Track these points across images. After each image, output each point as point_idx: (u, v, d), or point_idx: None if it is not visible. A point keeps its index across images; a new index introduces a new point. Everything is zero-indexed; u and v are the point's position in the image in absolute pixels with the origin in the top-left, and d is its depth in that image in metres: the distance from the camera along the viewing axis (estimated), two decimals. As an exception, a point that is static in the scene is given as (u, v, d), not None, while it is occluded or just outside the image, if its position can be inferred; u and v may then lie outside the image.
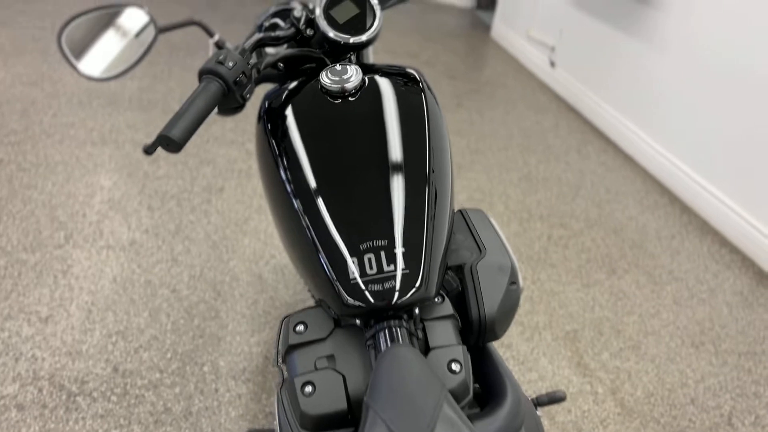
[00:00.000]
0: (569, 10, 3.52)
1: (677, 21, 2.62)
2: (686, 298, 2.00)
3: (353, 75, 0.87)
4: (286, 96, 0.92)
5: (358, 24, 0.99)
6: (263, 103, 0.95)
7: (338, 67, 0.89)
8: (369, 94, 0.87)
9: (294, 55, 0.98)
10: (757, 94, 2.20)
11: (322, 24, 0.97)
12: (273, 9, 1.31)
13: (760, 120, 2.20)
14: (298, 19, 1.02)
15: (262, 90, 2.74)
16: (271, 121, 0.90)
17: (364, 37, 0.98)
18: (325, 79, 0.86)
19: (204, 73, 0.83)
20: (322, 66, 1.03)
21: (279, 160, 0.83)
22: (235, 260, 1.89)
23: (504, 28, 4.50)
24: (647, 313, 1.91)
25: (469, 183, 2.55)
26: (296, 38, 1.04)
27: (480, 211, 0.96)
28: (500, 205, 2.44)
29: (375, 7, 1.01)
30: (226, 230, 2.03)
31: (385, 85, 0.89)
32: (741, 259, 2.23)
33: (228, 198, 2.21)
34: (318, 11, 1.01)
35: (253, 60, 0.90)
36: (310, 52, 1.00)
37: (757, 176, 2.23)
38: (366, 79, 0.89)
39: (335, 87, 0.85)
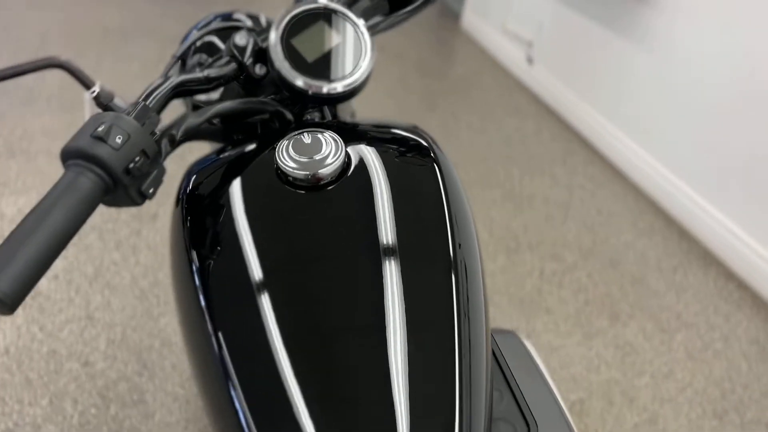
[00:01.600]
0: (551, 1, 3.21)
1: (671, 19, 2.34)
2: (700, 350, 1.74)
3: (331, 153, 0.53)
4: (223, 174, 0.58)
5: (335, 61, 0.65)
6: (185, 180, 0.61)
7: (306, 138, 0.55)
8: (355, 183, 0.53)
9: (234, 110, 0.63)
10: (763, 103, 1.94)
11: (280, 62, 0.63)
12: (204, 27, 0.94)
13: (766, 132, 1.94)
14: (242, 49, 0.67)
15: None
16: (194, 212, 0.56)
17: (342, 86, 0.64)
18: (286, 159, 0.52)
19: (69, 157, 0.48)
20: (279, 122, 0.68)
21: (202, 279, 0.49)
22: (168, 316, 1.52)
23: (476, 18, 4.17)
24: (660, 372, 1.65)
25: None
26: (239, 78, 0.68)
27: (512, 335, 0.64)
28: (484, 231, 2.13)
29: (361, 34, 0.67)
30: (158, 273, 1.65)
31: (379, 167, 0.55)
32: (751, 297, 1.99)
33: (162, 227, 1.82)
34: (273, 38, 0.65)
35: (163, 124, 0.55)
36: (260, 104, 0.65)
37: (765, 197, 1.98)
38: (349, 156, 0.56)
39: (301, 174, 0.51)
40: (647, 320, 1.83)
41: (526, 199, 2.37)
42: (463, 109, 3.09)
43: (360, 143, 0.57)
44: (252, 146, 0.60)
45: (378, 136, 0.60)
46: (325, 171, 0.51)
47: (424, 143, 0.60)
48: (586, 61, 2.92)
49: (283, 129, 0.65)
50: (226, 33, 0.82)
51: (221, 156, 0.61)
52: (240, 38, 0.68)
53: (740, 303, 1.96)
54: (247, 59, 0.66)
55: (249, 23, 0.90)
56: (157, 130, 0.52)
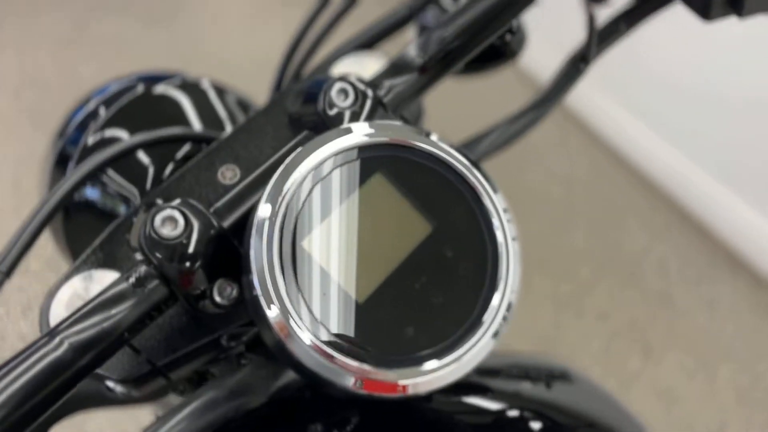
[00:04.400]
0: None
1: None
2: (749, 388, 1.51)
3: None
4: None
5: (419, 293, 0.31)
6: None
7: None
8: None
9: None
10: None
11: (302, 341, 0.27)
12: (99, 129, 0.54)
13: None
14: (174, 249, 0.30)
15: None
16: None
17: (456, 368, 0.28)
18: None
19: None
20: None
21: None
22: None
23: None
24: (713, 426, 1.40)
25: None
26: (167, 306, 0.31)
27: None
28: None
29: (489, 201, 0.30)
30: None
31: None
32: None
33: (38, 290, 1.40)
34: (261, 242, 0.29)
35: None
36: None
37: None
38: None
39: None
40: (683, 353, 1.59)
41: (527, 197, 2.05)
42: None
43: None
44: None
45: None
46: None
47: None
48: (575, 16, 2.56)
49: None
50: (153, 151, 0.45)
51: None
52: (164, 222, 0.30)
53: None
54: (190, 277, 0.30)
55: (196, 129, 0.52)
56: None
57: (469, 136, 0.41)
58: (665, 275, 1.83)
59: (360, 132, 0.30)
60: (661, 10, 0.38)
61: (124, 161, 0.44)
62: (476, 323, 0.29)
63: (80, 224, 0.52)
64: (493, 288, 0.30)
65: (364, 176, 0.29)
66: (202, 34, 2.47)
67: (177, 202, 0.31)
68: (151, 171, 0.49)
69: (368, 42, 0.45)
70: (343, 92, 0.34)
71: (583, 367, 1.42)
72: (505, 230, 0.30)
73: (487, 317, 0.29)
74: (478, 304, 0.29)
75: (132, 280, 0.31)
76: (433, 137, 0.31)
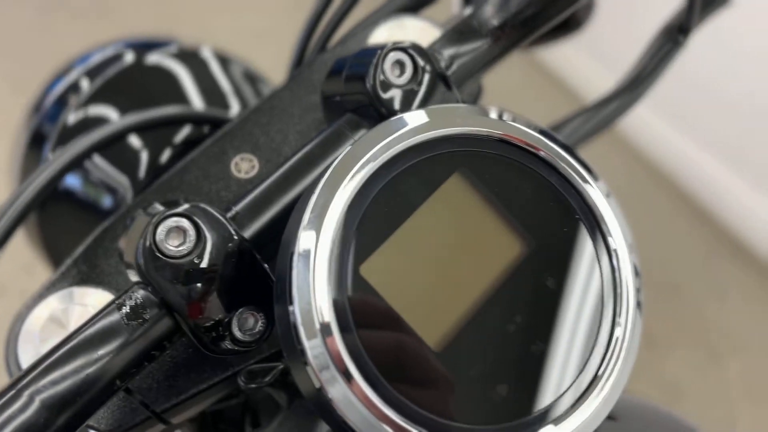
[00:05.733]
0: None
1: None
2: (761, 386, 1.46)
3: None
4: None
5: (517, 331, 0.23)
6: None
7: None
8: None
9: None
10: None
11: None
12: (88, 101, 0.46)
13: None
14: (183, 270, 0.22)
15: None
16: None
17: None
18: None
19: None
20: None
21: None
22: None
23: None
24: (721, 425, 1.37)
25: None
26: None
27: None
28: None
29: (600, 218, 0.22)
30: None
31: None
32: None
33: (10, 307, 1.31)
34: (312, 262, 0.21)
35: None
36: None
37: None
38: None
39: None
40: (692, 346, 1.55)
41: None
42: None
43: None
44: None
45: None
46: None
47: None
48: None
49: None
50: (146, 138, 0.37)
51: None
52: (169, 233, 0.23)
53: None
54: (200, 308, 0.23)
55: (198, 107, 0.44)
56: None
57: (547, 123, 0.33)
58: (671, 264, 1.79)
59: (433, 121, 0.22)
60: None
61: (112, 145, 0.36)
62: (594, 378, 0.22)
63: (60, 222, 0.44)
64: (612, 329, 0.22)
65: (438, 180, 0.22)
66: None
67: (185, 207, 0.23)
68: (144, 157, 0.41)
69: (412, 4, 0.37)
70: (399, 65, 0.26)
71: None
72: (619, 253, 0.23)
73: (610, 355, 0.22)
74: (598, 342, 0.22)
75: (125, 309, 0.23)
76: (526, 127, 0.24)
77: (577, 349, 0.22)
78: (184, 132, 0.41)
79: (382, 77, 0.26)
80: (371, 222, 0.21)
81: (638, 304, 0.24)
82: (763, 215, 1.82)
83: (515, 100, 2.10)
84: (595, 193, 0.23)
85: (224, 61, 0.49)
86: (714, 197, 1.97)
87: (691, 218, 1.94)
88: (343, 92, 0.28)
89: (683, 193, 2.01)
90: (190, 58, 0.47)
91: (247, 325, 0.24)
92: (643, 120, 2.22)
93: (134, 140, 0.42)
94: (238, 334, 0.24)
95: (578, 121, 0.33)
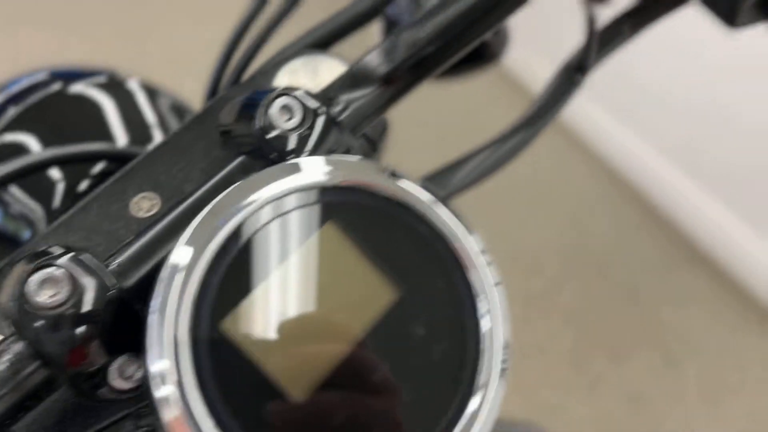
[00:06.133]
0: None
1: None
2: (717, 389, 1.50)
3: None
4: None
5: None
6: None
7: None
8: None
9: None
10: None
11: None
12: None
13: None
14: (53, 324, 0.22)
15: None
16: None
17: None
18: None
19: None
20: None
21: None
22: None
23: None
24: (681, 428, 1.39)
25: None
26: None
27: None
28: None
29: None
30: None
31: None
32: (753, 303, 1.75)
33: None
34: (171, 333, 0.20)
35: None
36: None
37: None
38: None
39: None
40: (651, 351, 1.57)
41: (496, 185, 1.99)
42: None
43: None
44: None
45: None
46: None
47: None
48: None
49: None
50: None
51: None
52: (42, 285, 0.23)
53: (745, 314, 1.72)
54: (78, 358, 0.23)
55: (119, 138, 0.44)
56: None
57: (446, 163, 0.33)
58: (631, 268, 1.82)
59: (307, 171, 0.23)
60: (673, 12, 0.32)
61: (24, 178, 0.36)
62: None
63: None
64: (472, 387, 0.23)
65: (310, 228, 0.22)
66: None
67: (65, 258, 0.23)
68: (60, 187, 0.41)
69: (324, 41, 0.37)
70: (287, 110, 0.26)
71: (552, 372, 1.40)
72: (490, 300, 0.23)
73: (461, 427, 0.22)
74: (452, 407, 0.22)
75: (3, 359, 0.23)
76: (398, 175, 0.24)
77: (439, 402, 0.22)
78: (102, 164, 0.41)
79: (269, 122, 0.25)
80: (236, 273, 0.21)
81: (503, 371, 0.23)
82: (718, 221, 1.86)
83: (485, 112, 2.12)
84: (468, 249, 0.23)
85: (152, 92, 0.48)
86: (673, 203, 2.02)
87: (650, 225, 1.98)
88: (235, 131, 0.28)
89: (644, 201, 2.05)
90: (116, 88, 0.46)
91: (127, 373, 0.24)
92: (606, 128, 2.26)
93: (51, 171, 0.41)
94: (116, 382, 0.24)
95: (478, 160, 0.34)
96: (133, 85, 0.48)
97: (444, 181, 0.33)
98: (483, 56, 0.41)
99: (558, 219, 1.95)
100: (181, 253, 0.21)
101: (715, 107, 1.85)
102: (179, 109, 0.50)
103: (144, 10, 2.47)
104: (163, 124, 0.46)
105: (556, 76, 0.34)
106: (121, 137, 0.44)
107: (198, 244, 0.22)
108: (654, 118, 2.06)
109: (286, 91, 0.26)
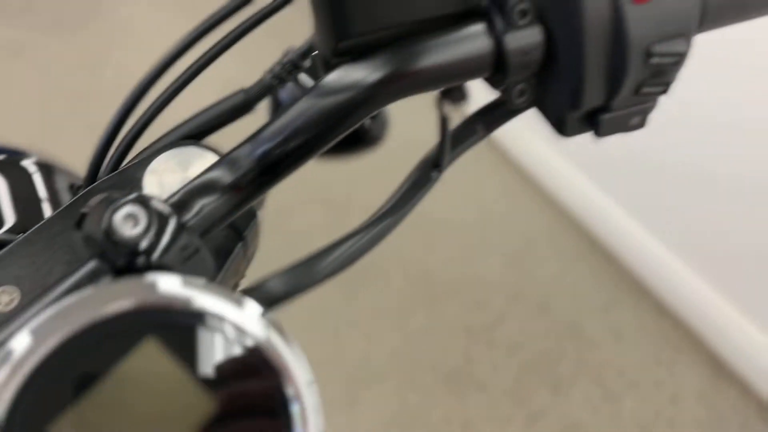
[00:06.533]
0: None
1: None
2: (651, 423, 1.53)
3: None
4: None
5: None
6: None
7: None
8: None
9: None
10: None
11: None
12: None
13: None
14: None
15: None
16: None
17: None
18: None
19: None
20: None
21: None
22: None
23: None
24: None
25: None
26: None
27: None
28: (396, 273, 1.77)
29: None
30: None
31: None
32: (689, 338, 1.80)
33: None
34: None
35: None
36: None
37: (695, 215, 1.77)
38: None
39: None
40: (591, 384, 1.60)
41: (438, 224, 2.03)
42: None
43: None
44: None
45: None
46: None
47: None
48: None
49: None
50: None
51: None
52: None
53: (680, 346, 1.78)
54: None
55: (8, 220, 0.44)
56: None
57: (310, 252, 0.35)
58: (575, 305, 1.85)
59: (131, 290, 0.24)
60: (518, 115, 0.35)
61: None
62: None
63: None
64: None
65: (130, 345, 0.23)
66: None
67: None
68: None
69: (199, 132, 0.38)
70: (132, 218, 0.27)
71: (493, 407, 1.41)
72: (305, 406, 0.25)
73: None
74: None
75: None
76: (222, 295, 0.25)
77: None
78: None
79: (114, 229, 0.26)
80: (48, 394, 0.22)
81: None
82: (661, 257, 1.91)
83: (468, 175, 2.15)
84: (285, 357, 0.25)
85: (47, 171, 0.49)
86: (616, 238, 2.07)
87: (594, 259, 2.03)
88: (85, 235, 0.29)
89: (588, 235, 2.10)
90: (10, 167, 0.47)
91: None
92: (553, 164, 2.31)
93: None
94: None
95: (343, 247, 0.35)
96: (29, 164, 0.48)
97: (306, 271, 0.35)
98: (363, 140, 0.43)
99: (502, 253, 1.99)
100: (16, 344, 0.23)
101: (652, 152, 1.92)
102: (77, 189, 0.50)
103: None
104: (54, 199, 0.46)
105: (414, 171, 0.36)
106: (9, 217, 0.44)
107: (6, 364, 0.23)
108: (598, 157, 2.13)
109: (135, 199, 0.28)
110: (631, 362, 1.70)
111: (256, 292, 0.34)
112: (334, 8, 0.28)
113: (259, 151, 0.30)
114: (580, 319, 1.80)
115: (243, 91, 0.40)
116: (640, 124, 0.31)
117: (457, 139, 0.36)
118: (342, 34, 0.29)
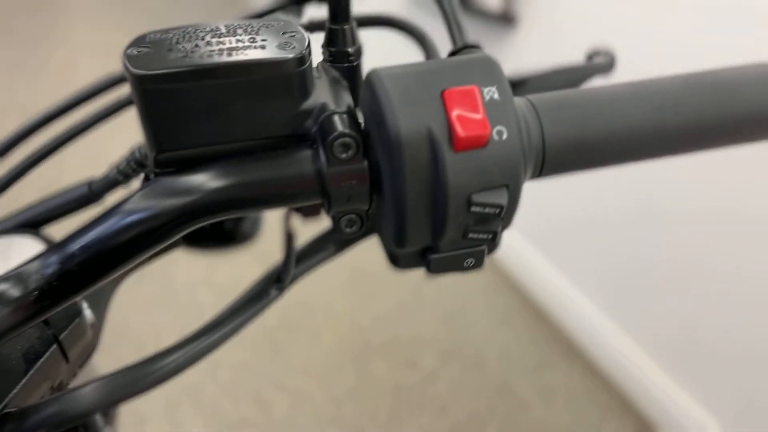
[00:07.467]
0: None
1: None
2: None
3: None
4: None
5: None
6: None
7: None
8: None
9: None
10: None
11: None
12: None
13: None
14: None
15: None
16: None
17: None
18: None
19: None
20: None
21: None
22: None
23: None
24: None
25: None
26: None
27: None
28: (327, 330, 1.74)
29: None
30: None
31: None
32: (616, 398, 1.82)
33: None
34: None
35: None
36: None
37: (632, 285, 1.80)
38: None
39: None
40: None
41: (374, 279, 2.02)
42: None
43: None
44: None
45: None
46: None
47: None
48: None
49: None
50: None
51: None
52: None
53: (609, 406, 1.79)
54: None
55: None
56: None
57: (142, 357, 0.33)
58: (507, 365, 1.86)
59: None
60: (365, 239, 0.34)
61: None
62: None
63: None
64: None
65: None
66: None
67: None
68: None
69: (40, 220, 0.36)
70: None
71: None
72: None
73: None
74: None
75: None
76: None
77: None
78: None
79: None
80: None
81: None
82: (589, 314, 1.94)
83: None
84: None
85: None
86: (548, 298, 2.09)
87: (527, 319, 2.05)
88: None
89: (521, 294, 2.12)
90: None
91: None
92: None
93: None
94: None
95: (176, 354, 0.33)
96: None
97: (126, 381, 0.32)
98: (236, 237, 0.41)
99: (434, 311, 1.98)
100: None
101: (582, 212, 1.96)
102: None
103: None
104: None
105: (256, 283, 0.35)
106: None
107: None
108: (533, 219, 2.17)
109: None
110: (561, 423, 1.70)
111: (63, 400, 0.31)
112: (151, 118, 0.27)
113: (51, 266, 0.27)
114: (512, 379, 1.80)
115: (88, 183, 0.38)
116: (477, 265, 0.30)
117: (306, 255, 0.35)
118: (158, 145, 0.27)
